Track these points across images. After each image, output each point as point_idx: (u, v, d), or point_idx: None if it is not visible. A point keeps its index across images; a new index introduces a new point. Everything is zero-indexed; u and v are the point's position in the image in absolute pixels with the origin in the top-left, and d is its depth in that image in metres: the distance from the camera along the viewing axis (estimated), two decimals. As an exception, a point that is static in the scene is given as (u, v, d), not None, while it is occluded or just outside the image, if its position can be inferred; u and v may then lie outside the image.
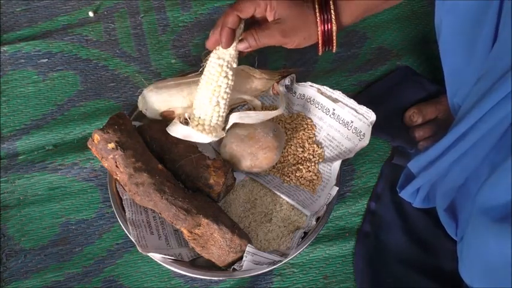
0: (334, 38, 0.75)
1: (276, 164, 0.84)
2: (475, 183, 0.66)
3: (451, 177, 0.71)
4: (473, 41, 0.67)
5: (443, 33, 0.71)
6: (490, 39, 0.65)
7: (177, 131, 0.78)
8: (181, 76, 0.87)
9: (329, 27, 0.74)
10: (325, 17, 0.74)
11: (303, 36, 0.76)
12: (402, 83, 0.94)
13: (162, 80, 0.84)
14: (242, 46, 0.75)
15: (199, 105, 0.78)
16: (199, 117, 0.78)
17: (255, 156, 0.79)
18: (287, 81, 0.86)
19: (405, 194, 0.78)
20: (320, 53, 0.77)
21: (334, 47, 0.76)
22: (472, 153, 0.66)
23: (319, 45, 0.76)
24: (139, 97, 0.82)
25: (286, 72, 0.87)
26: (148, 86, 0.82)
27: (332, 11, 0.73)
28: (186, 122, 0.79)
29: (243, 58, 0.78)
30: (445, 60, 0.73)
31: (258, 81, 0.86)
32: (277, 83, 0.85)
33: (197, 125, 0.78)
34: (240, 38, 0.75)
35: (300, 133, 0.86)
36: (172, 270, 0.76)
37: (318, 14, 0.74)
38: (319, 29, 0.74)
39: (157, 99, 0.80)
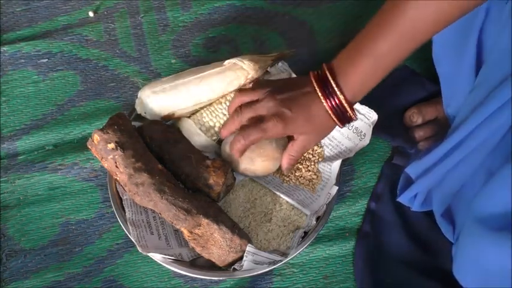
0: (349, 110, 0.68)
1: (276, 164, 0.85)
2: (471, 189, 0.66)
3: (447, 183, 0.71)
4: (461, 52, 0.67)
5: (435, 45, 0.71)
6: (474, 52, 0.65)
7: (187, 129, 0.80)
8: (175, 75, 0.84)
9: (337, 102, 0.68)
10: (332, 100, 0.68)
11: (325, 133, 0.75)
12: (402, 83, 0.94)
13: (156, 81, 0.82)
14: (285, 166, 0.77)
15: (216, 117, 0.81)
16: (214, 126, 0.81)
17: (252, 161, 0.79)
18: (280, 64, 0.86)
19: (404, 199, 0.79)
20: (341, 128, 0.72)
21: (353, 118, 0.70)
22: (468, 160, 0.66)
23: (337, 123, 0.71)
24: (136, 101, 0.82)
25: (280, 55, 0.86)
26: (143, 88, 0.81)
27: (335, 87, 0.67)
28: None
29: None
30: (439, 70, 0.74)
31: (251, 72, 0.84)
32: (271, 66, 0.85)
33: (207, 131, 0.81)
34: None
35: (300, 133, 0.86)
36: (172, 270, 0.76)
37: (322, 98, 0.68)
38: (327, 107, 0.68)
39: (157, 104, 0.80)
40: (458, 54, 0.68)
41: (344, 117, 0.70)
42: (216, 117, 0.81)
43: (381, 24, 0.64)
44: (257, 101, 0.72)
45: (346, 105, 0.68)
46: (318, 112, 0.69)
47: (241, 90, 0.76)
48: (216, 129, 0.81)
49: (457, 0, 0.59)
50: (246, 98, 0.73)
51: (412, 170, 0.74)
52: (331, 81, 0.67)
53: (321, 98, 0.68)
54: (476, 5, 0.60)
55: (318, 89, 0.68)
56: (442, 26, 0.62)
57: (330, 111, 0.69)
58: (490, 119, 0.61)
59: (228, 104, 0.81)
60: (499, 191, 0.57)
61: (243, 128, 0.72)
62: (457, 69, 0.70)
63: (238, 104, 0.74)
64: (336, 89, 0.67)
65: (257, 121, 0.71)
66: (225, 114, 0.81)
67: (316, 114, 0.70)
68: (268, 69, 0.86)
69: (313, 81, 0.69)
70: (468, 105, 0.65)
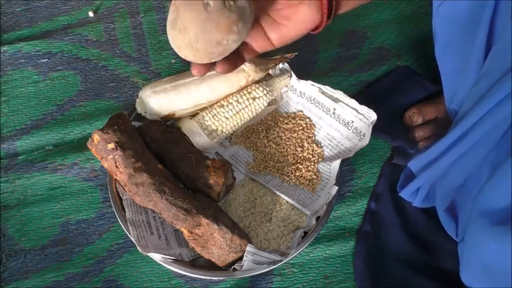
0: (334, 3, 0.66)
1: (276, 163, 0.84)
2: (475, 183, 0.66)
3: (450, 177, 0.70)
4: (467, 49, 0.67)
5: (438, 42, 0.71)
6: (484, 47, 0.65)
7: (189, 129, 0.81)
8: (176, 76, 0.85)
9: None
10: None
11: (314, 21, 0.67)
12: (402, 83, 0.94)
13: (157, 81, 0.83)
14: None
15: (218, 120, 0.82)
16: (216, 129, 0.82)
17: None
18: (280, 65, 0.87)
19: (405, 194, 0.79)
20: (320, 28, 0.67)
21: (331, 18, 0.67)
22: (471, 154, 0.66)
23: (324, 10, 0.66)
24: (137, 100, 0.82)
25: (282, 58, 0.86)
26: (144, 88, 0.82)
27: None
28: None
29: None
30: (441, 67, 0.74)
31: (252, 74, 0.84)
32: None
33: (210, 134, 0.81)
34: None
35: (299, 132, 0.86)
36: (172, 270, 0.76)
37: None
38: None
39: (157, 104, 0.81)
40: (466, 49, 0.68)
41: (330, 13, 0.66)
42: (219, 121, 0.81)
43: None
44: None
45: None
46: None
47: None
48: (218, 132, 0.82)
49: None
50: None
51: (414, 164, 0.74)
52: None
53: None
54: None
55: None
56: None
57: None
58: (492, 111, 0.61)
59: (230, 108, 0.82)
60: (501, 185, 0.57)
61: None
62: (464, 63, 0.69)
63: None
64: None
65: None
66: (227, 118, 0.81)
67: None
68: (269, 71, 0.87)
69: None
70: (471, 98, 0.65)
